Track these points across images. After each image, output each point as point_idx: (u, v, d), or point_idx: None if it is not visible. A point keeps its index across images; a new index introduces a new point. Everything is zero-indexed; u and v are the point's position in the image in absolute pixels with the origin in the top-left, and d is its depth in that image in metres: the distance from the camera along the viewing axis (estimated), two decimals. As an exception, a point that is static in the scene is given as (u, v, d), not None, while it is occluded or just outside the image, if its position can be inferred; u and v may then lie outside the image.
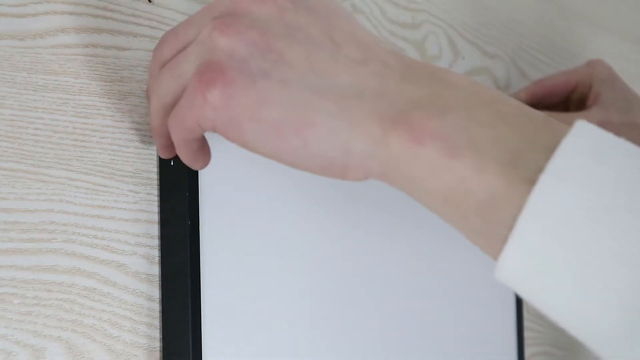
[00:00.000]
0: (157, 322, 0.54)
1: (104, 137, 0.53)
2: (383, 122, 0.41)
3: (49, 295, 0.49)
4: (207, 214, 0.55)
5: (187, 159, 0.49)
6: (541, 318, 0.88)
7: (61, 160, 0.51)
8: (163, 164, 0.55)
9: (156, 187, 0.55)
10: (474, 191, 0.40)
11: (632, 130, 0.75)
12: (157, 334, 0.54)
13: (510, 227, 0.39)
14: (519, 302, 0.82)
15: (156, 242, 0.55)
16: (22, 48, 0.49)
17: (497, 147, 0.39)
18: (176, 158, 0.53)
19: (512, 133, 0.40)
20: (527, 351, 0.85)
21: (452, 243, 0.74)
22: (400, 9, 0.76)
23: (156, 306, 0.54)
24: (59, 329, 0.50)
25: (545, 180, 0.38)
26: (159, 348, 0.54)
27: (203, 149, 0.49)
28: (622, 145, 0.39)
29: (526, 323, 0.85)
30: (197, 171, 0.53)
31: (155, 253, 0.55)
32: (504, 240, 0.39)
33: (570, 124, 0.40)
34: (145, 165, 0.55)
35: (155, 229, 0.55)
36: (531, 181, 0.38)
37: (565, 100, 0.83)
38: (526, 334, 0.85)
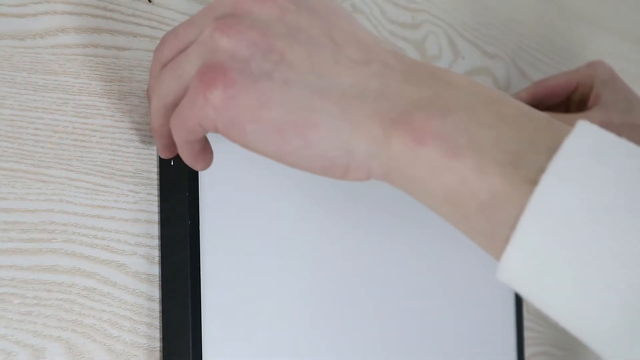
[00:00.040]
0: (157, 322, 0.54)
1: (104, 137, 0.53)
2: (384, 123, 0.41)
3: (49, 295, 0.49)
4: (207, 214, 0.55)
5: (189, 160, 0.49)
6: (541, 318, 0.88)
7: (61, 160, 0.51)
8: (163, 164, 0.55)
9: (156, 187, 0.55)
10: (475, 191, 0.40)
11: (633, 131, 0.75)
12: (157, 334, 0.54)
13: (512, 227, 0.39)
14: (519, 302, 0.82)
15: (156, 242, 0.55)
16: (22, 48, 0.49)
17: (498, 148, 0.40)
18: (176, 158, 0.53)
19: (514, 133, 0.40)
20: (527, 351, 0.85)
21: (452, 243, 0.74)
22: (400, 9, 0.76)
23: (156, 306, 0.54)
24: (59, 329, 0.50)
25: (546, 181, 0.38)
26: (159, 348, 0.54)
27: (205, 150, 0.49)
28: (623, 145, 0.39)
29: (526, 323, 0.85)
30: (197, 171, 0.53)
31: (155, 253, 0.55)
32: (505, 240, 0.39)
33: (571, 124, 0.40)
34: (145, 165, 0.55)
35: (155, 229, 0.55)
36: (533, 181, 0.38)
37: (565, 101, 0.83)
38: (526, 334, 0.85)
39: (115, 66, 0.54)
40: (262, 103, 0.43)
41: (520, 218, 0.38)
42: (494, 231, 0.40)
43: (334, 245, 0.64)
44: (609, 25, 1.04)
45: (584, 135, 0.39)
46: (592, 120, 0.74)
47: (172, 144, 0.51)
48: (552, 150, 0.39)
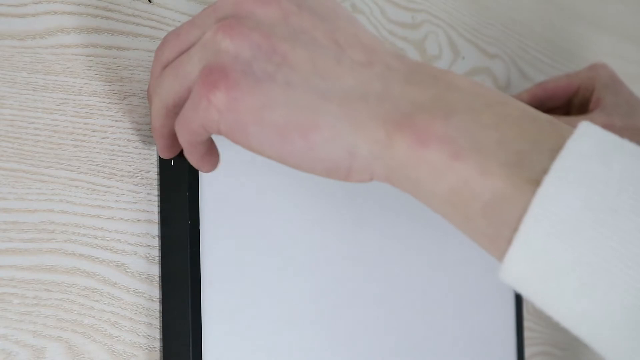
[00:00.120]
0: (157, 322, 0.54)
1: (104, 137, 0.53)
2: (387, 125, 0.41)
3: (49, 295, 0.49)
4: (207, 214, 0.55)
5: (195, 162, 0.49)
6: (541, 318, 0.88)
7: (61, 160, 0.51)
8: (163, 164, 0.55)
9: (156, 187, 0.55)
10: (479, 193, 0.40)
11: (634, 134, 0.75)
12: (157, 334, 0.54)
13: (514, 228, 0.39)
14: (519, 302, 0.82)
15: (156, 242, 0.55)
16: (22, 48, 0.49)
17: (501, 149, 0.39)
18: (176, 158, 0.53)
19: (516, 134, 0.40)
20: (527, 351, 0.85)
21: (453, 243, 0.74)
22: (400, 8, 0.76)
23: (156, 306, 0.54)
24: (59, 329, 0.50)
25: (549, 182, 0.38)
26: (159, 348, 0.54)
27: (211, 152, 0.49)
28: (626, 146, 0.39)
29: (526, 323, 0.85)
30: (197, 171, 0.53)
31: (155, 253, 0.55)
32: (508, 241, 0.39)
33: (573, 127, 0.40)
34: (145, 165, 0.55)
35: (155, 229, 0.55)
36: (536, 182, 0.38)
37: (566, 103, 0.83)
38: (526, 334, 0.85)
39: (115, 66, 0.54)
40: (264, 105, 0.43)
41: (523, 219, 0.38)
42: (496, 232, 0.40)
43: (334, 245, 0.64)
44: (609, 25, 1.04)
45: (587, 137, 0.39)
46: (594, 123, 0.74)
47: (172, 144, 0.51)
48: (554, 151, 0.39)
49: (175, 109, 0.47)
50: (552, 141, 0.39)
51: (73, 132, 0.51)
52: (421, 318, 0.71)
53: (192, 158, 0.49)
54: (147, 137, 0.55)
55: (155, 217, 0.55)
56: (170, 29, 0.57)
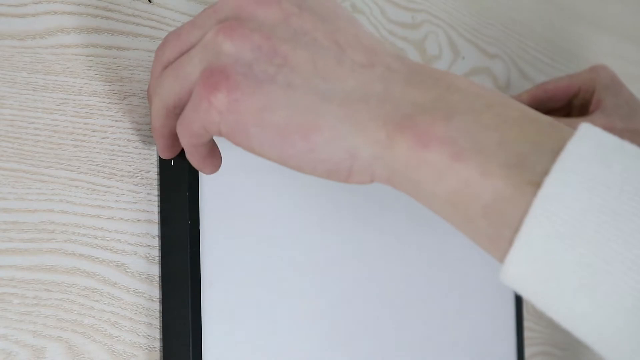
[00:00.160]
0: (157, 322, 0.54)
1: (104, 137, 0.53)
2: (388, 126, 0.41)
3: (49, 295, 0.49)
4: (207, 214, 0.55)
5: (196, 164, 0.49)
6: (541, 318, 0.88)
7: (61, 160, 0.51)
8: (163, 164, 0.55)
9: (156, 187, 0.55)
10: (480, 194, 0.40)
11: (634, 136, 0.75)
12: (157, 334, 0.54)
13: (515, 230, 0.39)
14: (519, 302, 0.82)
15: (156, 242, 0.55)
16: (22, 48, 0.49)
17: (502, 150, 0.39)
18: (176, 158, 0.53)
19: (517, 135, 0.40)
20: (527, 351, 0.85)
21: (453, 243, 0.74)
22: (400, 8, 0.76)
23: (156, 306, 0.54)
24: (59, 329, 0.50)
25: (550, 183, 0.38)
26: (159, 348, 0.54)
27: (212, 154, 0.49)
28: (626, 148, 0.39)
29: (526, 323, 0.85)
30: (197, 171, 0.53)
31: (155, 253, 0.55)
32: (509, 243, 0.39)
33: (573, 128, 0.40)
34: (145, 165, 0.55)
35: (155, 229, 0.55)
36: (537, 184, 0.38)
37: (567, 105, 0.83)
38: (526, 334, 0.85)
39: (115, 66, 0.54)
40: (265, 106, 0.43)
41: (524, 220, 0.38)
42: (497, 234, 0.40)
43: (334, 245, 0.64)
44: (609, 25, 1.04)
45: (587, 138, 0.39)
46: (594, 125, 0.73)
47: (172, 145, 0.51)
48: (555, 152, 0.39)
49: (176, 110, 0.47)
50: (553, 143, 0.39)
51: (73, 132, 0.51)
52: (421, 318, 0.71)
53: (194, 160, 0.49)
54: (147, 137, 0.55)
55: (155, 217, 0.55)
56: (170, 29, 0.57)
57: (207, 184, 0.55)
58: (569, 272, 0.37)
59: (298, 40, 0.43)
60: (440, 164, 0.40)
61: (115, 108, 0.54)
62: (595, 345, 0.39)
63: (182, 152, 0.52)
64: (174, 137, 0.50)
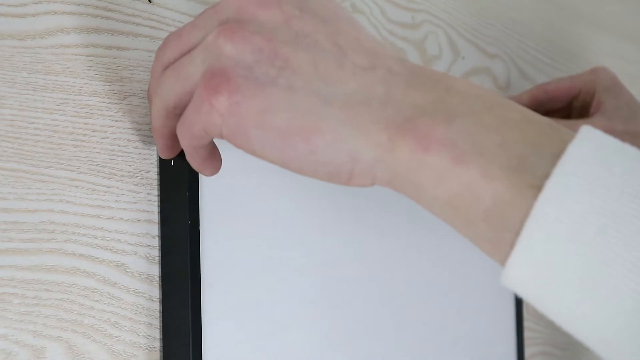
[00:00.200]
0: (157, 322, 0.54)
1: (104, 137, 0.53)
2: (389, 129, 0.41)
3: (49, 295, 0.49)
4: (207, 214, 0.55)
5: (196, 166, 0.49)
6: (541, 318, 0.88)
7: (61, 160, 0.51)
8: (163, 164, 0.55)
9: (156, 187, 0.55)
10: (481, 197, 0.40)
11: (635, 138, 0.75)
12: (157, 334, 0.54)
13: (516, 233, 0.39)
14: (518, 302, 0.82)
15: (156, 242, 0.55)
16: (22, 48, 0.49)
17: (502, 152, 0.39)
18: (176, 158, 0.53)
19: (518, 138, 0.40)
20: (527, 351, 0.85)
21: (453, 244, 0.74)
22: (400, 8, 0.76)
23: (156, 306, 0.54)
24: (59, 329, 0.50)
25: (551, 187, 0.38)
26: (159, 348, 0.54)
27: (213, 156, 0.49)
28: (627, 150, 0.39)
29: (526, 323, 0.85)
30: (197, 171, 0.53)
31: (155, 253, 0.55)
32: (510, 246, 0.39)
33: (574, 130, 0.40)
34: (145, 165, 0.55)
35: (155, 229, 0.55)
36: (537, 187, 0.38)
37: (567, 106, 0.83)
38: (526, 334, 0.85)
39: (115, 66, 0.54)
40: (266, 109, 0.42)
41: (525, 223, 0.38)
42: (498, 237, 0.40)
43: (335, 246, 0.64)
44: (609, 25, 1.04)
45: (588, 141, 0.39)
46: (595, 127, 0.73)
47: (172, 145, 0.51)
48: (556, 155, 0.38)
49: (176, 110, 0.47)
50: (553, 145, 0.39)
51: (73, 132, 0.51)
52: (421, 318, 0.71)
53: (194, 161, 0.49)
54: (147, 137, 0.55)
55: (155, 217, 0.55)
56: (171, 29, 0.57)
57: (207, 185, 0.55)
58: (570, 275, 0.37)
59: (299, 43, 0.43)
60: (441, 167, 0.40)
61: (115, 108, 0.54)
62: (596, 348, 0.39)
63: (182, 152, 0.52)
64: (174, 138, 0.50)
